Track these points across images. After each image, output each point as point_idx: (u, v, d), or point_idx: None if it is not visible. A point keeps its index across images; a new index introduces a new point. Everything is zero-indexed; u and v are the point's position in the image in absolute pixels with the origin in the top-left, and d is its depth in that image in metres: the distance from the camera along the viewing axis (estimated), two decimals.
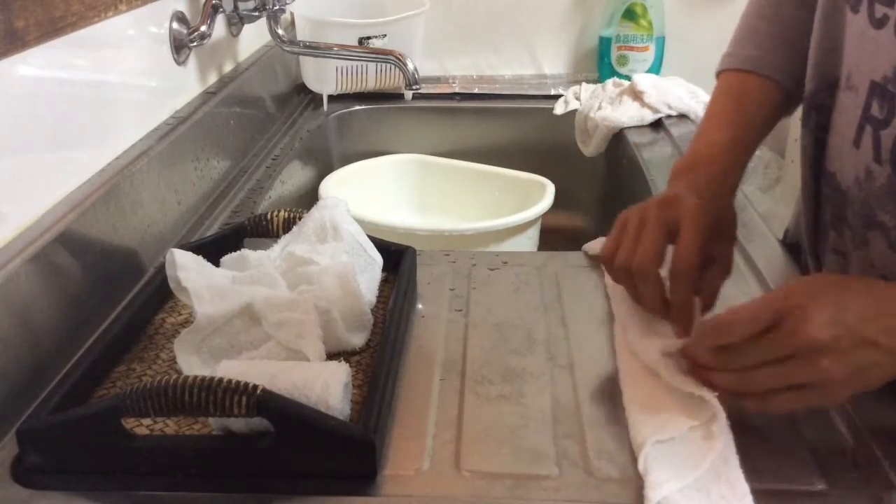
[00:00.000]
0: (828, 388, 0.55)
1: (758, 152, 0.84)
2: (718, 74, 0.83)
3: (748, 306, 0.57)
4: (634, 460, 0.56)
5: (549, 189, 1.25)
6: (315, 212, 0.76)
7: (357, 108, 1.49)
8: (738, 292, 0.77)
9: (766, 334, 0.55)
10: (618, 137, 1.31)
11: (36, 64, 0.73)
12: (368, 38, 1.40)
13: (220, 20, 1.15)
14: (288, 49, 1.27)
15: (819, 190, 0.75)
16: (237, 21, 1.22)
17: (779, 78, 0.78)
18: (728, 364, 0.58)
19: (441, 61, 1.62)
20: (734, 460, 0.55)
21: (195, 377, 0.54)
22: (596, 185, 1.45)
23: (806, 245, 0.81)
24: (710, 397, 0.59)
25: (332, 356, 0.67)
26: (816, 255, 0.79)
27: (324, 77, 1.43)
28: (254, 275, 0.69)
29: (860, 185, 0.68)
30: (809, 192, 0.77)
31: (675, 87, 1.35)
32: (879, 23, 0.65)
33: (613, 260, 0.69)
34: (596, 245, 0.87)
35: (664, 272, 0.67)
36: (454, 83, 1.57)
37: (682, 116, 1.33)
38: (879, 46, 0.65)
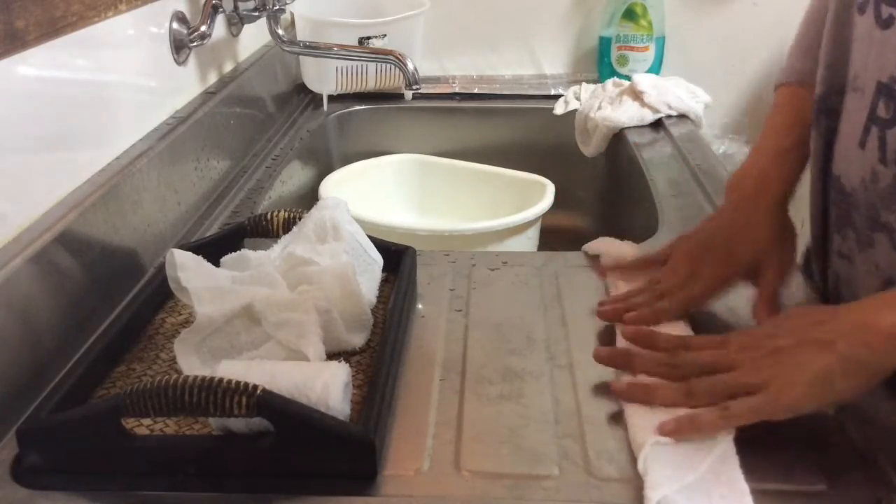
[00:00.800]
0: (770, 389, 0.57)
1: None
2: (777, 89, 0.83)
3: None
4: (634, 460, 0.56)
5: (549, 189, 1.25)
6: (315, 212, 0.76)
7: (357, 108, 1.49)
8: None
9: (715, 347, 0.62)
10: (618, 137, 1.31)
11: (36, 64, 0.73)
12: (368, 38, 1.40)
13: (220, 20, 1.15)
14: (288, 49, 1.27)
15: (827, 194, 0.75)
16: (237, 21, 1.22)
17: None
18: (680, 362, 0.62)
19: (441, 61, 1.62)
20: (734, 460, 0.55)
21: (195, 377, 0.54)
22: (596, 185, 1.45)
23: (812, 249, 0.81)
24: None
25: (332, 356, 0.67)
26: (822, 258, 0.79)
27: (324, 77, 1.43)
28: (254, 275, 0.69)
29: (865, 187, 0.68)
30: (817, 197, 0.77)
31: (674, 87, 1.35)
32: (886, 23, 0.65)
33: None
34: (596, 245, 0.87)
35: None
36: (454, 83, 1.57)
37: (682, 116, 1.33)
38: (886, 47, 0.65)
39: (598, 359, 0.66)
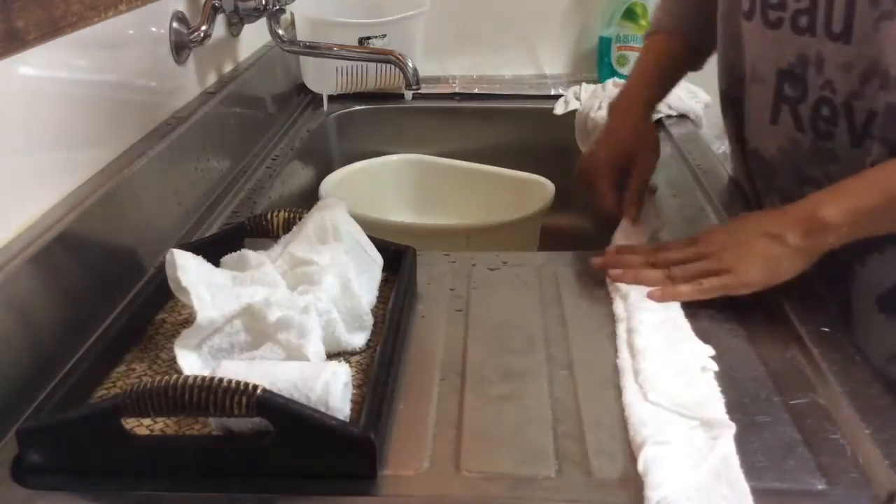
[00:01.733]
0: (735, 272, 0.74)
1: None
2: (645, 39, 1.07)
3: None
4: (634, 460, 0.56)
5: (549, 189, 1.25)
6: (315, 212, 0.76)
7: (357, 108, 1.49)
8: None
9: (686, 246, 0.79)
10: None
11: (36, 64, 0.73)
12: (368, 38, 1.40)
13: (220, 20, 1.15)
14: (288, 49, 1.27)
15: (748, 164, 0.95)
16: (237, 21, 1.22)
17: (678, 30, 1.03)
18: (660, 257, 0.79)
19: (441, 61, 1.62)
20: (734, 460, 0.55)
21: (195, 377, 0.54)
22: None
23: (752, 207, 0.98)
24: (715, 417, 0.59)
25: (332, 356, 0.67)
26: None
27: (324, 77, 1.43)
28: (254, 275, 0.69)
29: (785, 153, 0.86)
30: (740, 166, 0.99)
31: (674, 88, 1.35)
32: (775, 25, 0.82)
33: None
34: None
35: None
36: (454, 83, 1.57)
37: (682, 116, 1.33)
38: (780, 42, 0.82)
39: (595, 265, 0.82)
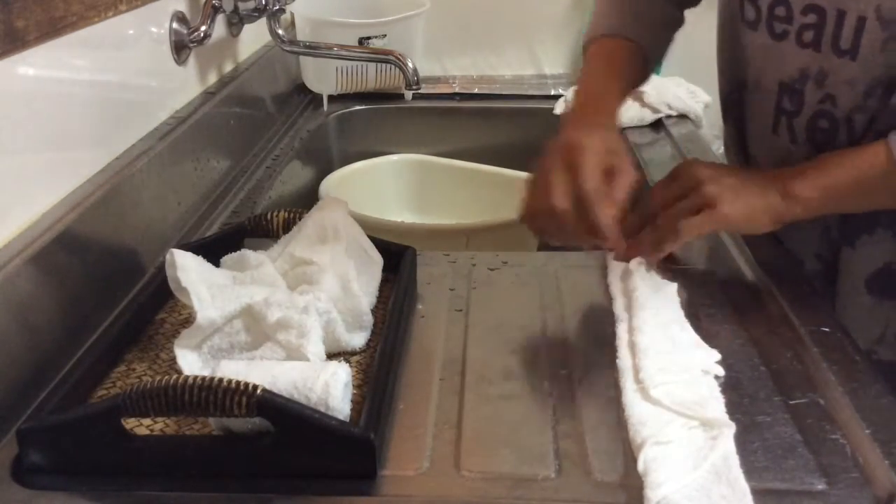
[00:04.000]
0: (717, 206, 0.74)
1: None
2: (587, 46, 0.95)
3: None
4: (634, 460, 0.56)
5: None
6: (315, 212, 0.76)
7: (357, 108, 1.49)
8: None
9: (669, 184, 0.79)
10: None
11: (36, 64, 0.73)
12: (368, 38, 1.40)
13: (220, 20, 1.15)
14: (288, 49, 1.27)
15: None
16: (237, 21, 1.22)
17: (639, 40, 0.92)
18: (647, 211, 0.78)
19: (441, 61, 1.62)
20: (734, 460, 0.55)
21: (195, 377, 0.54)
22: None
23: None
24: (715, 416, 0.59)
25: (332, 356, 0.67)
26: None
27: (324, 77, 1.43)
28: (254, 275, 0.69)
29: (781, 164, 0.85)
30: None
31: (674, 87, 1.35)
32: (780, 37, 0.82)
33: (535, 212, 0.79)
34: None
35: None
36: (454, 83, 1.57)
37: (682, 116, 1.33)
38: (784, 54, 0.82)
39: (617, 258, 0.80)
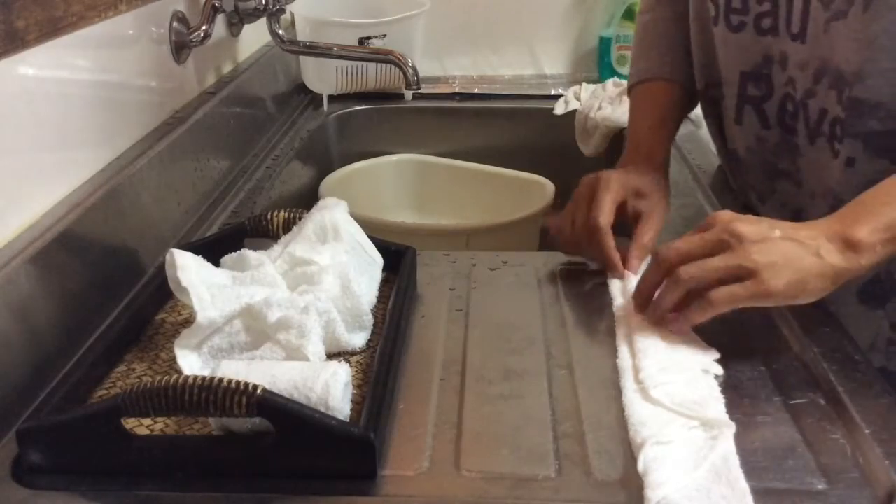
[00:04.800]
0: (761, 275, 0.63)
1: None
2: (631, 89, 1.00)
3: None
4: (634, 460, 0.56)
5: (549, 189, 1.25)
6: (315, 212, 0.76)
7: (357, 108, 1.49)
8: None
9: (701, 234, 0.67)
10: (618, 137, 1.31)
11: (36, 64, 0.73)
12: (368, 38, 1.40)
13: (220, 20, 1.15)
14: (288, 49, 1.27)
15: (730, 164, 0.96)
16: (237, 21, 1.22)
17: (676, 78, 0.97)
18: (665, 260, 0.68)
19: (441, 61, 1.62)
20: (734, 460, 0.55)
21: (195, 377, 0.54)
22: None
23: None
24: (715, 416, 0.59)
25: (332, 356, 0.67)
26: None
27: (324, 77, 1.43)
28: (254, 275, 0.69)
29: (753, 152, 0.89)
30: (725, 167, 1.00)
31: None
32: (737, 28, 0.85)
33: (557, 232, 0.86)
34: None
35: None
36: (454, 83, 1.57)
37: None
38: (743, 45, 0.85)
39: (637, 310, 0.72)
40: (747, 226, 0.65)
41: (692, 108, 1.01)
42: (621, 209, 0.82)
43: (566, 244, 0.85)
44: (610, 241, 0.80)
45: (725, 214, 0.68)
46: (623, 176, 0.84)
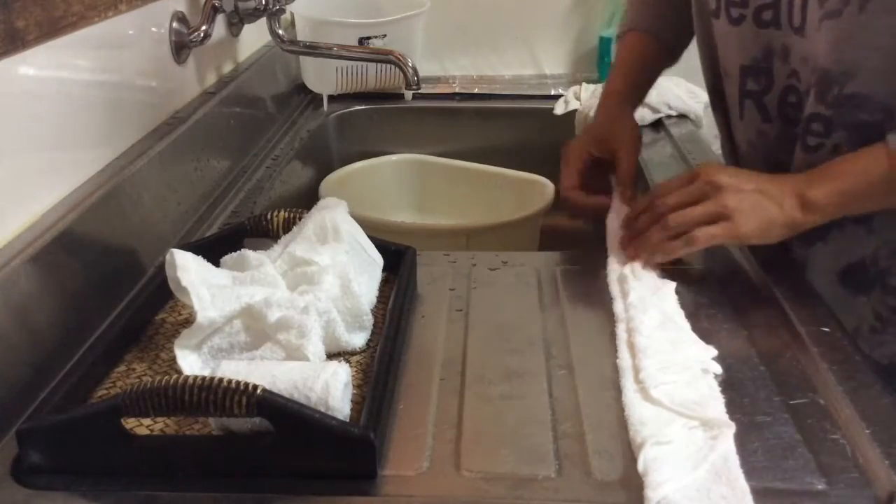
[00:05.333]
0: (734, 219, 0.76)
1: None
2: (620, 37, 1.07)
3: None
4: (634, 460, 0.56)
5: (549, 189, 1.25)
6: (315, 212, 0.76)
7: (357, 108, 1.49)
8: None
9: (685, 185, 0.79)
10: None
11: (36, 64, 0.73)
12: (368, 38, 1.40)
13: (220, 20, 1.15)
14: (288, 49, 1.27)
15: (735, 157, 0.98)
16: (237, 21, 1.22)
17: (654, 30, 1.03)
18: (656, 209, 0.79)
19: (441, 61, 1.62)
20: (734, 460, 0.55)
21: (195, 377, 0.54)
22: None
23: None
24: (715, 416, 0.59)
25: (332, 356, 0.67)
26: None
27: (324, 77, 1.43)
28: (254, 275, 0.69)
29: (754, 146, 0.91)
30: (729, 160, 1.02)
31: (674, 87, 1.35)
32: (737, 21, 0.86)
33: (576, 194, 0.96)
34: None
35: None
36: (454, 83, 1.57)
37: (682, 116, 1.33)
38: (744, 38, 0.86)
39: (626, 255, 0.82)
40: (726, 177, 0.78)
41: (673, 58, 1.05)
42: (595, 164, 0.96)
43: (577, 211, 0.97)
44: (578, 200, 0.95)
45: (710, 167, 0.80)
46: (582, 138, 0.99)
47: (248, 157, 1.18)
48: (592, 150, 0.96)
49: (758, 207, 0.76)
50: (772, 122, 0.88)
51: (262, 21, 1.23)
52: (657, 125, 1.31)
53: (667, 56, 1.05)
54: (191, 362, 0.63)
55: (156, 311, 0.74)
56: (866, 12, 0.74)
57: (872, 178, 0.75)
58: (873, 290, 0.86)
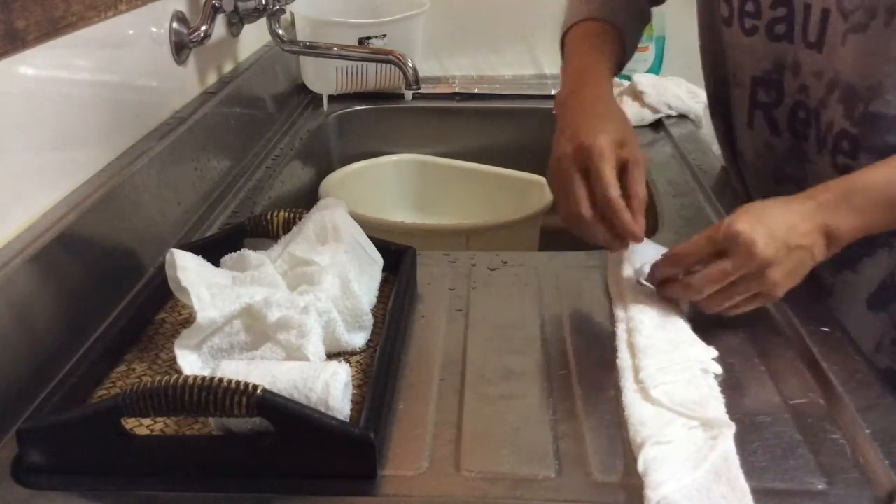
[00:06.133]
0: (773, 292, 0.69)
1: None
2: (567, 32, 0.94)
3: (698, 237, 0.71)
4: (634, 460, 0.56)
5: (549, 189, 1.25)
6: (315, 212, 0.76)
7: (357, 108, 1.49)
8: None
9: (722, 264, 0.68)
10: None
11: (36, 64, 0.73)
12: (368, 38, 1.40)
13: (220, 20, 1.15)
14: (288, 49, 1.27)
15: (737, 165, 0.96)
16: (237, 21, 1.22)
17: (618, 25, 0.92)
18: (694, 291, 0.70)
19: (441, 61, 1.62)
20: (734, 460, 0.55)
21: (195, 377, 0.54)
22: None
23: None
24: (715, 416, 0.59)
25: (332, 356, 0.67)
26: None
27: (324, 77, 1.43)
28: (254, 275, 0.69)
29: (761, 157, 0.90)
30: (731, 168, 1.00)
31: (674, 87, 1.35)
32: (750, 32, 0.84)
33: (569, 220, 0.77)
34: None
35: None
36: (454, 83, 1.57)
37: (682, 116, 1.33)
38: (756, 49, 0.85)
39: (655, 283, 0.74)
40: (767, 251, 0.67)
41: (626, 60, 0.95)
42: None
43: (582, 234, 0.77)
44: (628, 216, 0.74)
45: (743, 235, 0.67)
46: (608, 134, 0.76)
47: (248, 157, 1.18)
48: (619, 154, 0.76)
49: (797, 269, 0.69)
50: (781, 135, 0.87)
51: (262, 21, 1.23)
52: (657, 125, 1.31)
53: (623, 54, 0.93)
54: (191, 362, 0.63)
55: (156, 311, 0.74)
56: (892, 27, 0.73)
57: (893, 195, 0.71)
58: (892, 304, 0.85)
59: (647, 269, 0.75)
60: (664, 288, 0.74)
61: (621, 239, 0.75)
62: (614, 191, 0.73)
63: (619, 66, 0.92)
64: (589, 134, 0.75)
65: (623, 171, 0.75)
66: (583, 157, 0.75)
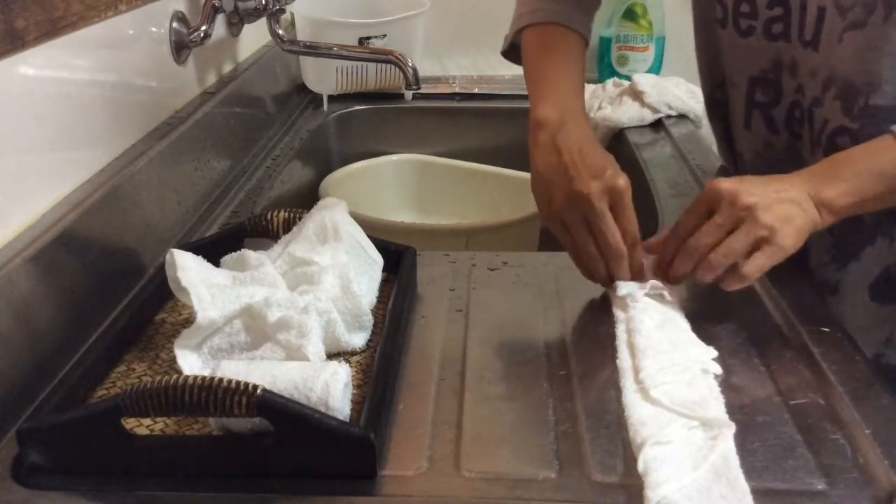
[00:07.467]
0: (776, 237, 0.68)
1: None
2: (522, 30, 0.89)
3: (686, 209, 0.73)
4: (634, 460, 0.56)
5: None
6: (315, 212, 0.76)
7: (357, 108, 1.49)
8: None
9: (712, 218, 0.70)
10: (618, 137, 1.31)
11: (36, 64, 0.73)
12: (368, 38, 1.40)
13: (220, 20, 1.15)
14: (288, 49, 1.27)
15: (736, 166, 0.97)
16: (237, 21, 1.22)
17: (576, 28, 0.87)
18: (694, 251, 0.70)
19: (441, 61, 1.62)
20: (734, 460, 0.55)
21: (195, 377, 0.54)
22: None
23: None
24: (715, 416, 0.59)
25: (332, 356, 0.67)
26: None
27: (324, 77, 1.43)
28: (254, 275, 0.69)
29: (761, 156, 0.90)
30: (730, 169, 1.00)
31: (674, 88, 1.35)
32: (746, 33, 0.84)
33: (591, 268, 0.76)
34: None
35: None
36: (454, 83, 1.57)
37: (682, 116, 1.33)
38: (752, 49, 0.85)
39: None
40: (752, 197, 0.69)
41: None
42: None
43: (598, 272, 0.76)
44: (637, 261, 0.75)
45: (725, 189, 0.70)
46: (599, 181, 0.73)
47: (248, 157, 1.18)
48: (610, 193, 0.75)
49: (789, 216, 0.69)
50: (779, 134, 0.87)
51: (262, 21, 1.23)
52: (657, 125, 1.31)
53: (583, 48, 0.88)
54: (191, 362, 0.63)
55: (156, 311, 0.74)
56: (891, 21, 0.73)
57: (885, 170, 0.72)
58: None
59: (639, 294, 0.74)
60: (670, 269, 0.73)
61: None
62: (614, 239, 0.73)
63: (582, 68, 0.87)
64: (585, 178, 0.74)
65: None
66: (582, 205, 0.74)
